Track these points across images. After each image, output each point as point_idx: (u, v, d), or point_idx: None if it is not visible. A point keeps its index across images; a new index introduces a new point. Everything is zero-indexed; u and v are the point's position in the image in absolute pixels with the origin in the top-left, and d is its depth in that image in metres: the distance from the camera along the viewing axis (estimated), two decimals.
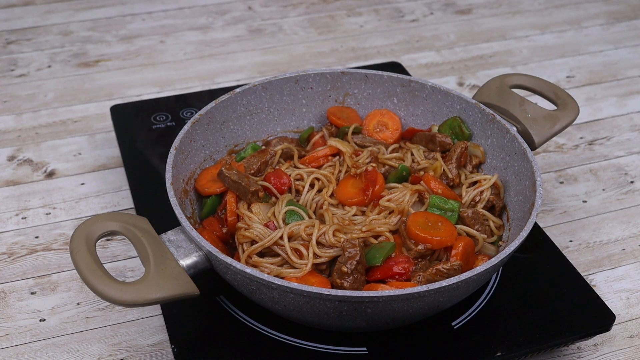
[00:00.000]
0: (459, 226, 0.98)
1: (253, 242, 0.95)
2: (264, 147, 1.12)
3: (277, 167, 1.06)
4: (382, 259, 0.91)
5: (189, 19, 1.69)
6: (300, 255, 0.92)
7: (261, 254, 0.94)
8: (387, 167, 1.07)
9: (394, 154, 1.09)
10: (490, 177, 1.04)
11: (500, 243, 1.01)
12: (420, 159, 1.08)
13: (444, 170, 1.05)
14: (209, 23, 1.68)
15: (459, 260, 0.92)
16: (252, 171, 1.04)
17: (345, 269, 0.88)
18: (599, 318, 0.96)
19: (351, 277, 0.88)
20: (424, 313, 0.88)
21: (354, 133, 1.13)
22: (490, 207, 1.03)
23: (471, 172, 1.07)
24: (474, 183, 1.05)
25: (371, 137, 1.13)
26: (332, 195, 1.03)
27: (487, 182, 1.03)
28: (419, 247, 0.93)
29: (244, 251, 0.95)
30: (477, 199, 1.03)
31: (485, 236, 0.99)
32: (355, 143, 1.11)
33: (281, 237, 0.93)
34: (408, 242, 0.94)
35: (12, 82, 1.47)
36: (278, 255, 0.93)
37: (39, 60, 1.54)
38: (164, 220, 0.95)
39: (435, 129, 1.13)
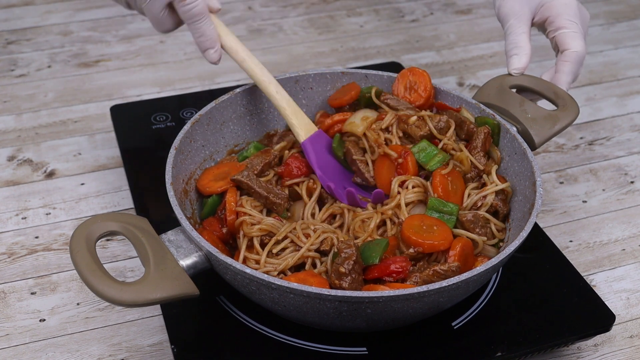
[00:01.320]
0: (456, 230, 0.97)
1: (262, 236, 0.97)
2: (266, 142, 1.12)
3: (293, 153, 1.08)
4: (378, 257, 0.90)
5: None
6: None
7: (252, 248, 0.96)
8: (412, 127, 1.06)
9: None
10: (498, 183, 1.01)
11: (500, 244, 1.01)
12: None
13: (471, 161, 1.03)
14: None
15: (456, 261, 0.91)
16: (256, 172, 1.04)
17: (342, 270, 0.88)
18: (599, 318, 0.96)
19: (349, 277, 0.88)
20: (423, 313, 0.87)
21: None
22: (493, 212, 1.01)
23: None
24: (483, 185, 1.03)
25: (404, 99, 1.10)
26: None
27: (492, 187, 1.01)
28: (410, 250, 0.93)
29: (250, 246, 0.96)
30: (480, 203, 1.01)
31: (485, 239, 0.97)
32: (388, 105, 1.09)
33: (294, 228, 0.96)
34: (401, 245, 0.94)
35: (12, 82, 1.47)
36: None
37: (39, 60, 1.54)
38: (164, 220, 0.95)
39: (464, 112, 1.09)
